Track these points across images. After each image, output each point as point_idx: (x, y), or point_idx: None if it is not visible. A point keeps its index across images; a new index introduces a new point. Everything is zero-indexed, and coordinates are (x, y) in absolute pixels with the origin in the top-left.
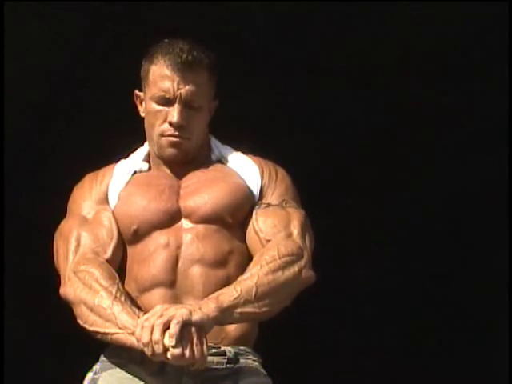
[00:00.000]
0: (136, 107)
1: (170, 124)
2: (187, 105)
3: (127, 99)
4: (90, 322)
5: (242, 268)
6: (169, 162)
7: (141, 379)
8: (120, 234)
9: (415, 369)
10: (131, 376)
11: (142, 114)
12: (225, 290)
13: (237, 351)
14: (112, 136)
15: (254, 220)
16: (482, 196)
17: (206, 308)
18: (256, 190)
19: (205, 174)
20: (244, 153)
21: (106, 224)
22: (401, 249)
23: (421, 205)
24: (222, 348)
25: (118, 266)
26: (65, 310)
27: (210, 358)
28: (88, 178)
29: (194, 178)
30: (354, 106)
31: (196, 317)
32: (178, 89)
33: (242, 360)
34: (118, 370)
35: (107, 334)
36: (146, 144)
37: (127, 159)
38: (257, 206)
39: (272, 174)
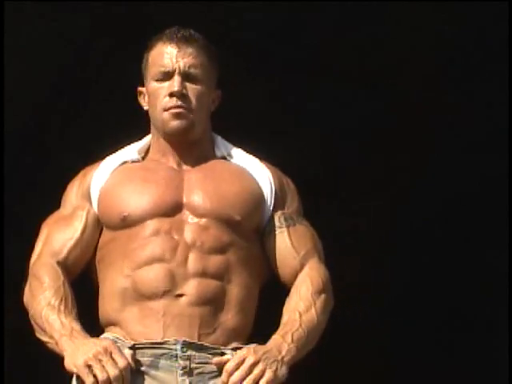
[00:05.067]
0: (139, 105)
1: (171, 95)
2: (187, 76)
3: (127, 99)
4: (34, 328)
5: (242, 260)
6: (174, 146)
7: (137, 370)
8: (86, 230)
9: (415, 369)
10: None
11: (146, 108)
12: (294, 330)
13: (235, 347)
14: (112, 136)
15: (286, 238)
16: (482, 196)
17: (289, 356)
18: (268, 194)
19: (211, 167)
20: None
21: (74, 223)
22: (400, 249)
23: (420, 205)
24: (221, 349)
25: (89, 255)
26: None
27: (208, 357)
28: (81, 172)
29: (199, 171)
30: (354, 105)
31: (281, 375)
32: (177, 61)
33: None
34: None
35: (44, 341)
36: (145, 138)
37: (116, 152)
38: (282, 220)
39: (284, 182)
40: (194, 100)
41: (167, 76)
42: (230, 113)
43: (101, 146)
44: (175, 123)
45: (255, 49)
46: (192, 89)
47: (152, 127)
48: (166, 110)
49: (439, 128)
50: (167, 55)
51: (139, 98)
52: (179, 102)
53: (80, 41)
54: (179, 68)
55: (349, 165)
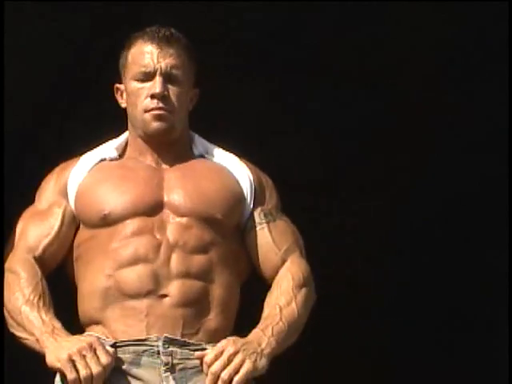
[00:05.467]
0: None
1: (153, 96)
2: (168, 77)
3: None
4: (9, 324)
5: (224, 258)
6: (152, 146)
7: (119, 368)
8: (62, 227)
9: (415, 369)
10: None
11: (123, 105)
12: (274, 323)
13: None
14: (112, 136)
15: (267, 234)
16: (482, 196)
17: (269, 348)
18: (248, 191)
19: (190, 165)
20: (229, 152)
21: (50, 220)
22: (400, 249)
23: (420, 205)
24: (203, 345)
25: (65, 252)
26: (62, 310)
27: (190, 353)
28: (58, 167)
29: (178, 170)
30: (354, 105)
31: (260, 367)
32: (158, 62)
33: None
34: None
35: (21, 338)
36: (122, 135)
37: (94, 150)
38: (262, 216)
39: (263, 179)
40: (174, 101)
41: (148, 76)
42: (230, 113)
43: (100, 145)
44: (156, 125)
45: (255, 49)
46: (173, 90)
47: (130, 125)
48: (147, 111)
49: (439, 128)
50: (148, 55)
51: (116, 95)
52: (160, 104)
53: (80, 41)
54: (161, 69)
55: (349, 165)
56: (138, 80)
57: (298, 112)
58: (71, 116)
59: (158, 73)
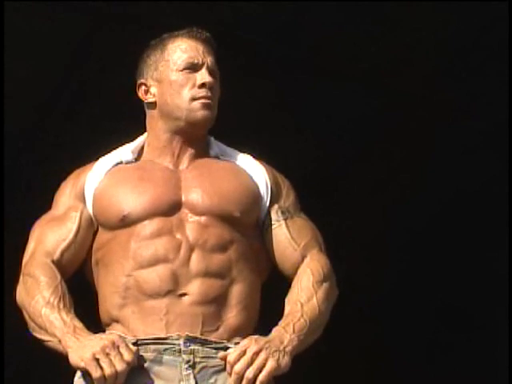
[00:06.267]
0: (139, 100)
1: (203, 85)
2: (211, 72)
3: (127, 99)
4: (31, 327)
5: (244, 256)
6: (177, 142)
7: (140, 366)
8: (80, 231)
9: (415, 369)
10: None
11: (150, 100)
12: (296, 320)
13: (239, 342)
14: (112, 135)
15: (285, 230)
16: (482, 196)
17: (291, 346)
18: (264, 189)
19: (207, 165)
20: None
21: (67, 224)
22: (400, 249)
23: (420, 205)
24: (224, 343)
25: (82, 256)
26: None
27: (211, 351)
28: (73, 173)
29: (195, 170)
30: (354, 106)
31: (283, 365)
32: (205, 56)
33: None
34: None
35: (43, 340)
36: (138, 139)
37: (110, 153)
38: (280, 214)
39: (279, 178)
40: (215, 96)
41: (196, 67)
42: (231, 113)
43: (100, 145)
44: (204, 113)
45: (255, 49)
46: (214, 86)
47: (153, 123)
48: (195, 99)
49: (439, 128)
50: (195, 49)
51: (139, 92)
52: (209, 94)
53: (80, 41)
54: (207, 63)
55: (349, 165)
56: (183, 70)
57: (297, 112)
58: (70, 116)
59: (205, 66)
